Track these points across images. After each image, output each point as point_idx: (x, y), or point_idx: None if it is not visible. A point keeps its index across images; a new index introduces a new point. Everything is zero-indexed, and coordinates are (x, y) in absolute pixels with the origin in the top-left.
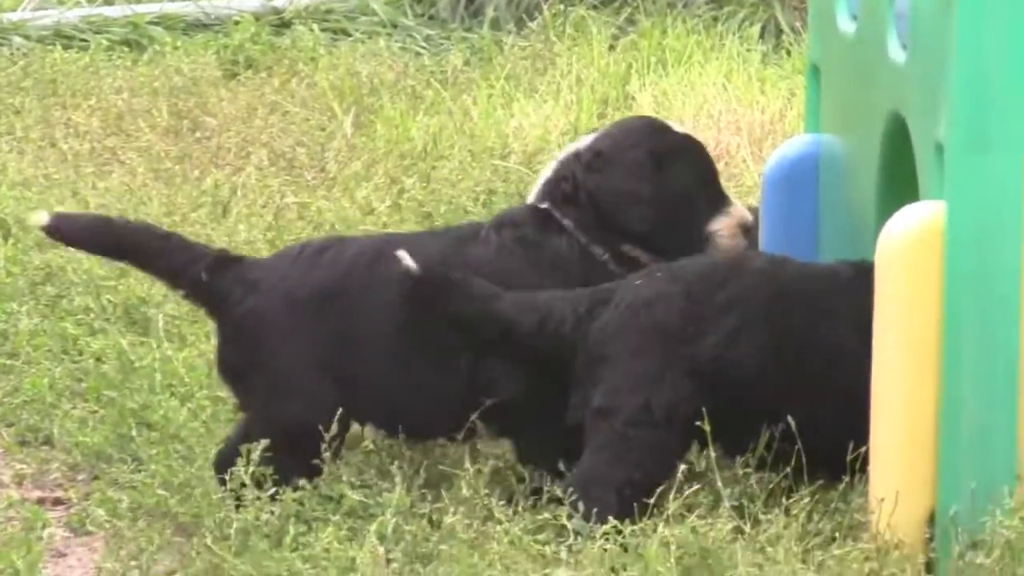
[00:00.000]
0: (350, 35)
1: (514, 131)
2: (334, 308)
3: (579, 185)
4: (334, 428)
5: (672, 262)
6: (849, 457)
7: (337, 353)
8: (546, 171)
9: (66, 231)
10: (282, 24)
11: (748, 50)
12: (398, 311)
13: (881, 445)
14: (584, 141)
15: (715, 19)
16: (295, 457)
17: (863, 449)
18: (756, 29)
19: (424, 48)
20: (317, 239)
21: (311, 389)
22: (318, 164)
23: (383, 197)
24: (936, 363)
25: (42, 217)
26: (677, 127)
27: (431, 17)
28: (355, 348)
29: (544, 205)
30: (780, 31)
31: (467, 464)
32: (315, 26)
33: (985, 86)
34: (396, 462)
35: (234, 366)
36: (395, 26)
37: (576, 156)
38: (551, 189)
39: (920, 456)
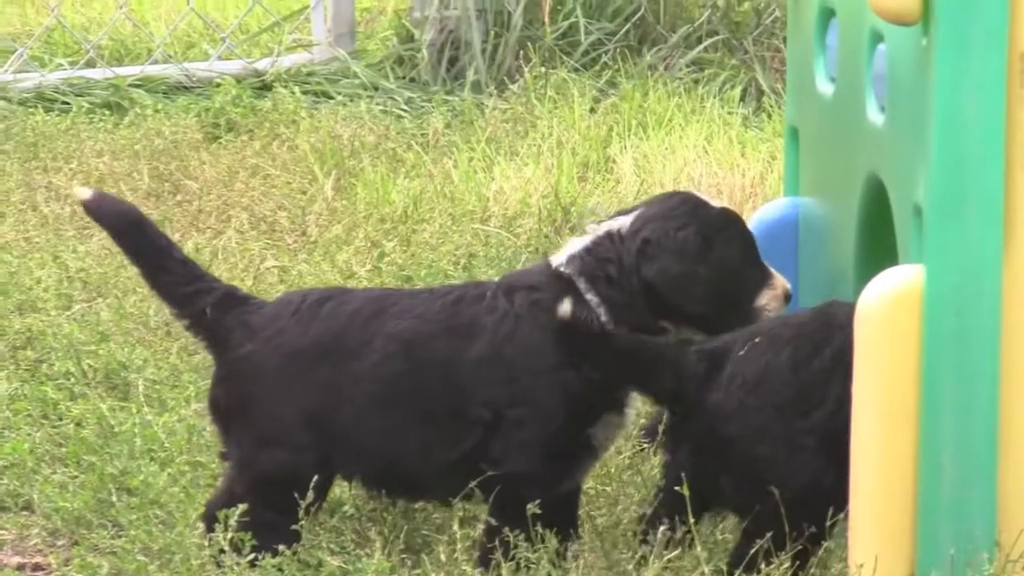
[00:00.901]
0: (331, 98)
1: (494, 194)
2: (329, 362)
3: (629, 270)
4: (314, 480)
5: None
6: (828, 522)
7: (328, 407)
8: (577, 243)
9: (103, 211)
10: (263, 87)
11: (729, 113)
12: (392, 369)
13: (860, 509)
14: (621, 221)
15: (696, 82)
16: (274, 509)
17: (842, 514)
18: (737, 92)
19: (405, 111)
20: (319, 290)
21: (297, 440)
22: (299, 227)
23: (363, 261)
24: (915, 428)
25: (84, 192)
26: (713, 201)
27: (412, 80)
28: (347, 403)
29: (566, 271)
30: (761, 93)
31: (448, 529)
32: (296, 89)
33: (963, 149)
34: (375, 527)
35: (224, 407)
36: (376, 89)
37: (616, 237)
38: (586, 265)
39: (899, 521)
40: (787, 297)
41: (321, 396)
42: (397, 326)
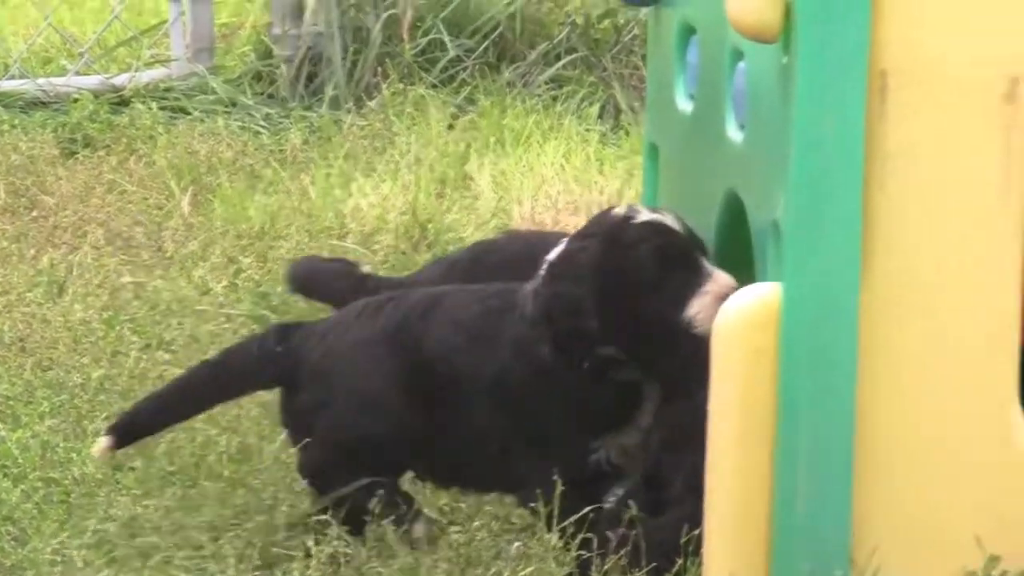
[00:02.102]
0: (189, 113)
1: (352, 211)
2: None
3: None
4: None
5: None
6: (683, 539)
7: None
8: None
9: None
10: (121, 102)
11: (587, 130)
12: None
13: (715, 527)
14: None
15: (554, 99)
16: (356, 468)
17: (697, 531)
18: (595, 109)
19: (263, 127)
20: (375, 299)
21: (389, 406)
22: (155, 243)
23: (220, 277)
24: (771, 445)
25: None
26: (643, 212)
27: (270, 96)
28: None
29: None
30: (619, 111)
31: (303, 546)
32: (154, 104)
33: (823, 167)
34: (230, 542)
35: (308, 410)
36: (234, 104)
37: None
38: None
39: (754, 539)
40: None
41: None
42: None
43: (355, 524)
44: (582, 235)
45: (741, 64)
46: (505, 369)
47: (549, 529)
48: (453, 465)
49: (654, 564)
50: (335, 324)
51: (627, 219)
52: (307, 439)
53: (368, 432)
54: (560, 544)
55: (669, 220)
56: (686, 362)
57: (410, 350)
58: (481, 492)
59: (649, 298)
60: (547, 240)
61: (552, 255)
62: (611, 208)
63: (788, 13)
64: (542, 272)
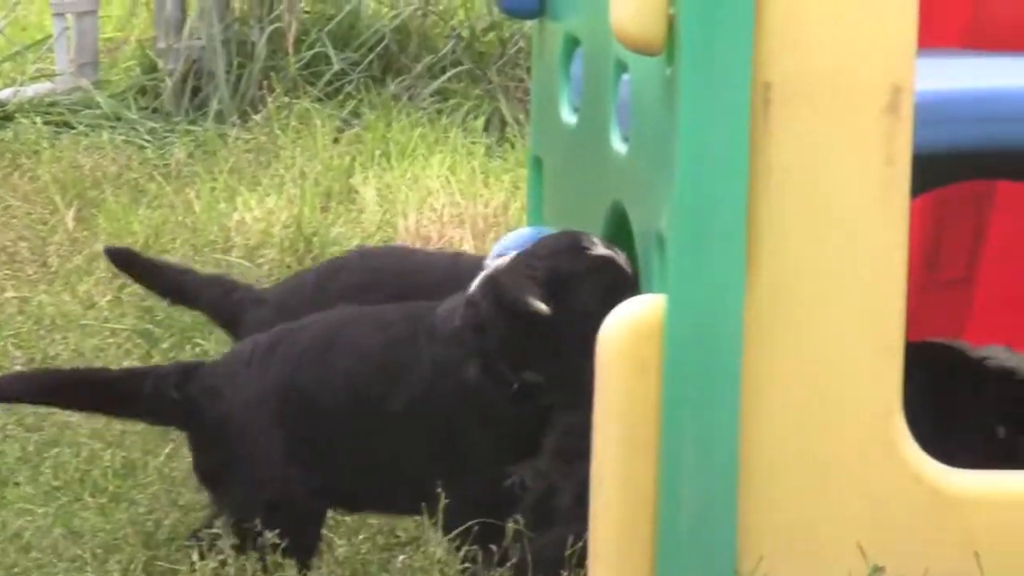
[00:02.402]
0: (74, 128)
1: (236, 225)
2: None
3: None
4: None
5: None
6: (568, 551)
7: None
8: None
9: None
10: (4, 117)
11: (472, 143)
12: None
13: (600, 540)
14: None
15: (440, 112)
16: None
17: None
18: (480, 122)
19: (147, 141)
20: (264, 339)
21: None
22: (39, 258)
23: (104, 291)
24: (655, 457)
25: None
26: (595, 246)
27: (155, 110)
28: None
29: None
30: (504, 123)
31: (187, 559)
32: (38, 119)
33: (707, 179)
34: (113, 556)
35: (211, 472)
36: (119, 119)
37: None
38: None
39: (639, 551)
40: None
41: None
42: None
43: (244, 540)
44: (532, 255)
45: (625, 76)
46: (424, 394)
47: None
48: (367, 494)
49: None
50: (228, 376)
51: (578, 249)
52: (222, 495)
53: (273, 498)
54: (445, 557)
55: (619, 257)
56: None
57: (307, 397)
58: (394, 515)
59: (587, 328)
60: (400, 258)
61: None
62: (564, 233)
63: (672, 25)
64: (475, 287)
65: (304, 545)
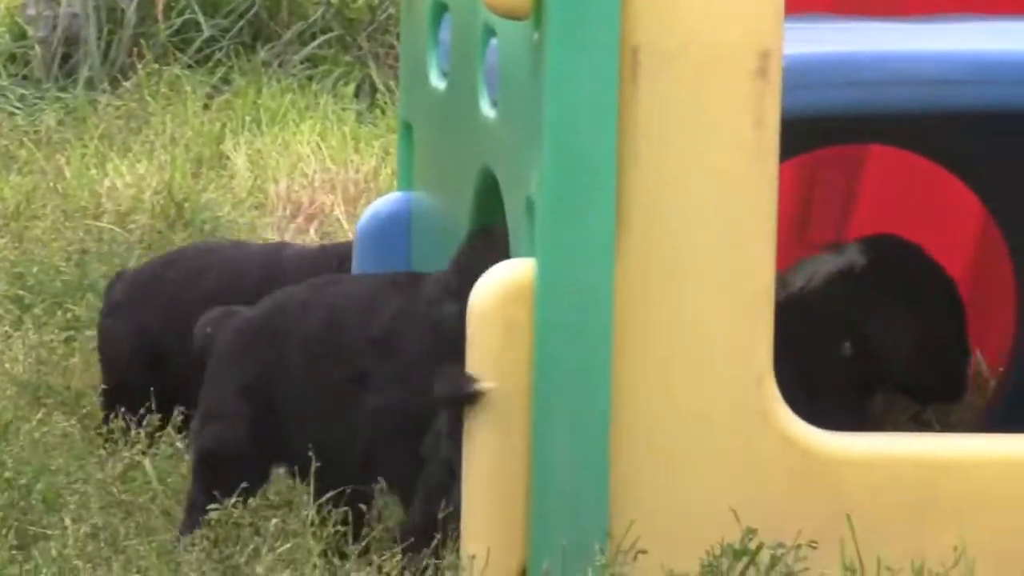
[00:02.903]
0: None
1: (107, 191)
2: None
3: None
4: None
5: None
6: (442, 514)
7: None
8: None
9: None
10: None
11: (343, 109)
12: None
13: (473, 501)
14: None
15: (310, 78)
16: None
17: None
18: (351, 88)
19: (17, 108)
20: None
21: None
22: None
23: None
24: (528, 420)
25: None
26: None
27: (25, 77)
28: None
29: None
30: (375, 90)
31: (61, 524)
32: None
33: (576, 144)
34: None
35: None
36: None
37: None
38: None
39: (512, 513)
40: None
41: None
42: None
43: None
44: None
45: (493, 41)
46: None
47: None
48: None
49: (411, 540)
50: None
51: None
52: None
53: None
54: (318, 520)
55: None
56: None
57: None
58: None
59: None
60: (230, 251)
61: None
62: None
63: None
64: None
65: (221, 488)
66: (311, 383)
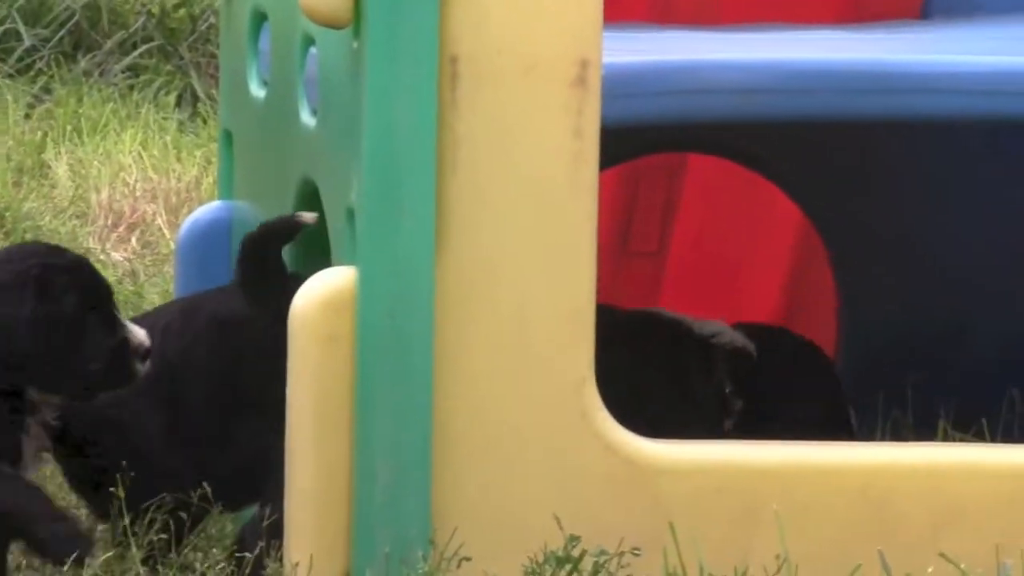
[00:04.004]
0: None
1: None
2: None
3: None
4: None
5: None
6: (266, 522)
7: None
8: None
9: None
10: None
11: (164, 118)
12: None
13: (296, 510)
14: None
15: (131, 87)
16: None
17: (275, 515)
18: (172, 97)
19: None
20: None
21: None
22: None
23: None
24: (349, 428)
25: None
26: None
27: None
28: None
29: None
30: (196, 99)
31: None
32: None
33: (395, 152)
34: None
35: None
36: None
37: None
38: None
39: (334, 522)
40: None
41: None
42: None
43: None
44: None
45: (313, 49)
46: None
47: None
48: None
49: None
50: None
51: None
52: None
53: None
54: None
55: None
56: None
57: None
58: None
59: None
60: None
61: None
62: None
63: None
64: None
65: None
66: None
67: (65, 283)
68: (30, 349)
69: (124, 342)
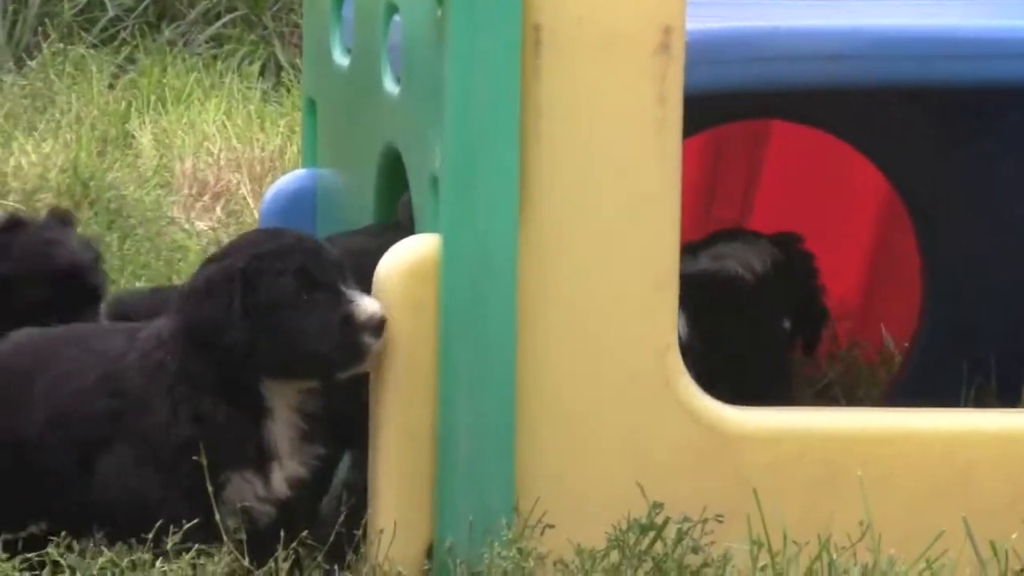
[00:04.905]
0: None
1: (13, 170)
2: None
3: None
4: None
5: None
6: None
7: None
8: None
9: None
10: None
11: (248, 88)
12: None
13: (381, 479)
14: None
15: (215, 57)
16: None
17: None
18: (256, 67)
19: None
20: None
21: None
22: None
23: None
24: (433, 396)
25: None
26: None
27: None
28: None
29: None
30: (280, 68)
31: None
32: None
33: (478, 120)
34: None
35: None
36: None
37: None
38: None
39: (418, 490)
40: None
41: None
42: None
43: None
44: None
45: (397, 17)
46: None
47: None
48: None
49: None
50: None
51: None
52: None
53: None
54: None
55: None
56: None
57: None
58: None
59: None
60: None
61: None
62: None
63: None
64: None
65: None
66: None
67: (278, 268)
68: (246, 341)
69: (348, 318)
